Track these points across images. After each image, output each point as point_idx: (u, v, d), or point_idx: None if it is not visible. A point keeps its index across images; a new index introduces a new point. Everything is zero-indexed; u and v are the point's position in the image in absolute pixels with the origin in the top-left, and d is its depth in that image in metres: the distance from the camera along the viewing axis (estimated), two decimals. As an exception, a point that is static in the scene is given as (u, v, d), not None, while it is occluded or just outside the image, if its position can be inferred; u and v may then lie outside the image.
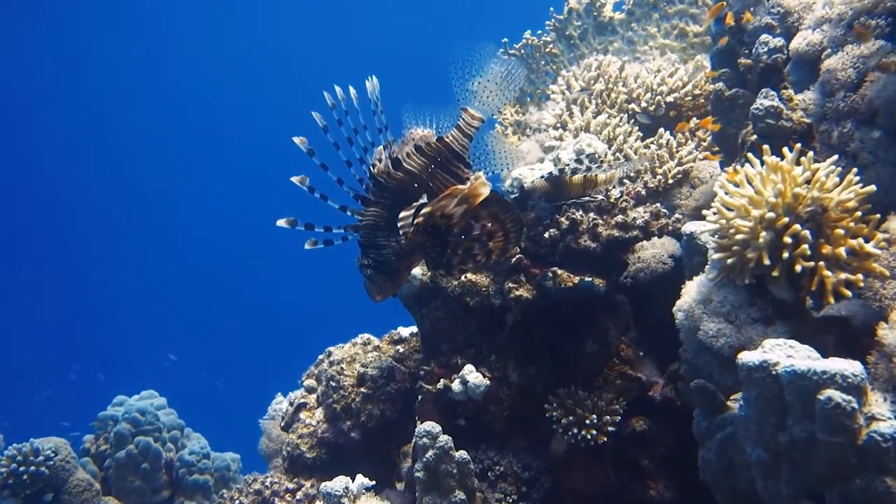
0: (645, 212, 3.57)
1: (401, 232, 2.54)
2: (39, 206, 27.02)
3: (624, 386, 3.70)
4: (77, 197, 28.16)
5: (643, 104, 4.76)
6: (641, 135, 4.58)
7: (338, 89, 2.67)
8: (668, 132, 4.54)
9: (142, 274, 26.66)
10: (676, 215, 3.72)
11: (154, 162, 29.59)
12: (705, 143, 4.50)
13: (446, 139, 2.74)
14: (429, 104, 2.81)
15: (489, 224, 2.57)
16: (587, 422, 3.47)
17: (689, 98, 4.78)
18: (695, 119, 4.64)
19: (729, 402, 2.72)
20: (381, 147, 2.74)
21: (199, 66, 30.05)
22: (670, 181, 4.29)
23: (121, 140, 29.41)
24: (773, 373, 2.07)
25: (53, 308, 24.15)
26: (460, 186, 2.40)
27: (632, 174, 3.97)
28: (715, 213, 2.50)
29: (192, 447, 6.73)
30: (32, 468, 5.25)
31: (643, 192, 3.67)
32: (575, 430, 3.48)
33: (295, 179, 2.56)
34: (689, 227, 3.12)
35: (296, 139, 2.56)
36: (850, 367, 1.94)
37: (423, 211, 2.46)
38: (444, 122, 2.81)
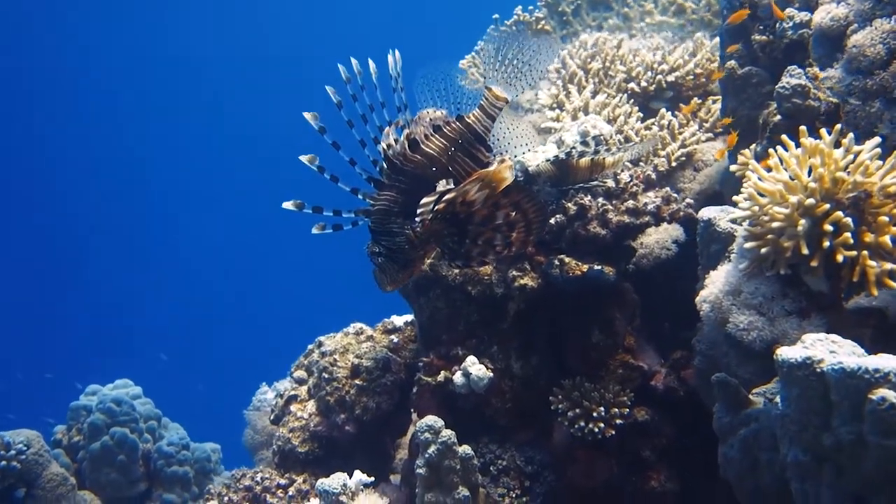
0: (656, 196, 3.42)
1: (418, 219, 2.34)
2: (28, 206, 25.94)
3: (626, 375, 3.59)
4: (62, 196, 27.11)
5: (643, 83, 4.61)
6: (642, 115, 4.43)
7: (354, 62, 2.44)
8: (669, 112, 4.40)
9: (119, 266, 25.91)
10: (688, 199, 3.58)
11: (139, 154, 28.49)
12: (707, 125, 4.37)
13: (468, 119, 2.53)
14: (441, 73, 2.58)
15: (511, 213, 2.38)
16: (594, 414, 3.35)
17: (691, 77, 4.63)
18: (696, 99, 4.50)
19: (752, 397, 2.60)
20: (392, 125, 2.52)
21: (190, 58, 28.82)
22: (673, 164, 4.15)
23: (110, 134, 28.19)
24: (818, 370, 1.94)
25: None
26: (485, 171, 2.20)
27: (639, 157, 3.82)
28: (747, 200, 2.35)
29: (171, 438, 6.50)
30: (3, 463, 4.98)
31: (653, 176, 3.52)
32: (582, 423, 3.35)
33: (304, 158, 2.34)
34: (706, 212, 2.98)
35: (307, 114, 2.34)
36: (903, 365, 1.82)
37: (446, 197, 2.26)
38: (463, 101, 2.59)
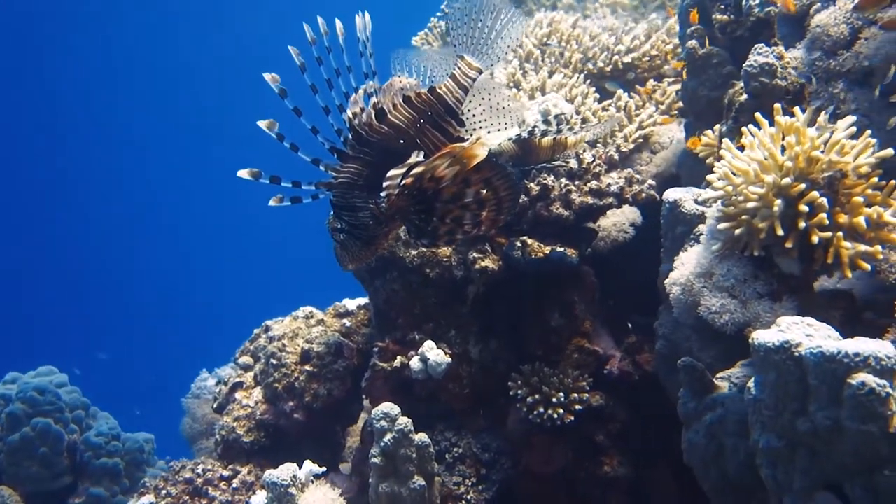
0: (619, 177, 3.35)
1: (384, 193, 2.17)
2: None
3: (581, 360, 3.54)
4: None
5: (599, 64, 4.54)
6: (598, 96, 4.37)
7: (321, 21, 2.23)
8: (626, 94, 4.35)
9: (60, 258, 24.45)
10: (650, 181, 3.53)
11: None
12: (664, 107, 4.34)
13: (439, 90, 2.36)
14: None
15: (482, 191, 2.24)
16: (554, 400, 3.28)
17: (647, 59, 4.60)
18: (652, 81, 4.47)
19: (717, 382, 2.57)
20: (361, 90, 2.33)
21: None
22: (631, 145, 4.11)
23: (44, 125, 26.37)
24: (795, 354, 1.89)
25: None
26: (457, 146, 2.05)
27: (597, 138, 3.74)
28: (720, 179, 2.28)
29: (100, 428, 6.15)
30: None
31: (616, 157, 3.45)
32: (541, 409, 3.28)
33: (262, 124, 2.13)
34: (672, 194, 2.92)
35: (267, 76, 2.12)
36: (882, 348, 1.79)
37: (414, 171, 2.10)
38: (436, 72, 2.42)
